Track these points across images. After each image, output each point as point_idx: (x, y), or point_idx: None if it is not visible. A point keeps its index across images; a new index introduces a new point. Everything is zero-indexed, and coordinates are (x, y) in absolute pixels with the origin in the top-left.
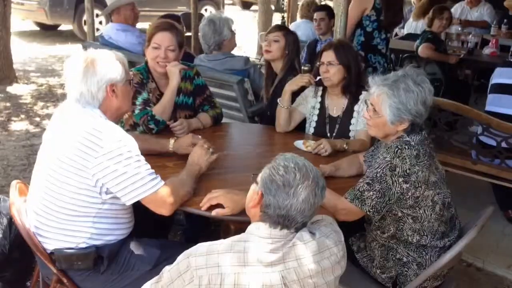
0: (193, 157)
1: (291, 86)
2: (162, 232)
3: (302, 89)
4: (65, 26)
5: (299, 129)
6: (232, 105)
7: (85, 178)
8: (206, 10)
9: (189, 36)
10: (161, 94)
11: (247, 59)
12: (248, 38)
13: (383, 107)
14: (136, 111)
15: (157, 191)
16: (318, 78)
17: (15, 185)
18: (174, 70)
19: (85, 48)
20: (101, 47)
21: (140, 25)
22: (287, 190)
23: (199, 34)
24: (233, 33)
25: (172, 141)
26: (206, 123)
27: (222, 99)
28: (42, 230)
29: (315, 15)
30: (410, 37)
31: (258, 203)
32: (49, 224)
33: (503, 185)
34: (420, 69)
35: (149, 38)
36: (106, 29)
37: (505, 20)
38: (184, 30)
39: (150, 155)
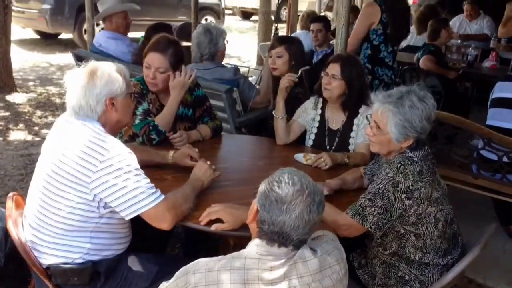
0: (197, 172)
1: (280, 94)
2: (160, 246)
3: (301, 100)
4: (65, 35)
5: (301, 142)
6: (219, 116)
7: (83, 192)
8: (206, 19)
9: (188, 46)
10: (161, 105)
11: (237, 70)
12: (248, 48)
13: (388, 124)
14: (137, 121)
15: (157, 205)
16: (300, 71)
17: (11, 197)
18: (185, 82)
19: (75, 56)
20: (92, 55)
21: (137, 34)
22: (280, 206)
23: (192, 42)
24: (225, 45)
25: (171, 152)
26: (206, 134)
27: None
28: (38, 245)
29: (312, 26)
30: (410, 49)
31: (254, 218)
32: (45, 239)
33: (505, 200)
34: (420, 82)
35: (144, 55)
36: (97, 36)
37: None
38: (176, 38)
39: (147, 168)
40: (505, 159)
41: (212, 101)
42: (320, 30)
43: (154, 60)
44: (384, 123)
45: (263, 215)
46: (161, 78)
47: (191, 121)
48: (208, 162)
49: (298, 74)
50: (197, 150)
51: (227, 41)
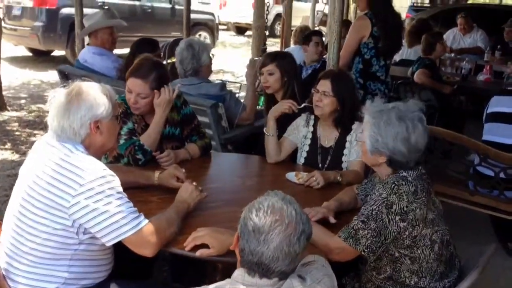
0: (182, 194)
1: (273, 113)
2: (145, 271)
3: (293, 117)
4: (58, 52)
5: (293, 160)
6: None
7: (61, 218)
8: (200, 35)
9: None
10: (146, 125)
11: (223, 85)
12: (242, 63)
13: (364, 134)
14: (121, 142)
15: (139, 231)
16: (303, 104)
17: None
18: (170, 100)
19: (60, 72)
20: (77, 71)
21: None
22: (258, 237)
23: (176, 58)
24: (210, 60)
25: (157, 173)
26: (194, 153)
27: None
28: (13, 274)
29: (315, 39)
30: (404, 63)
31: (236, 245)
32: (20, 268)
33: (502, 217)
34: (416, 102)
35: (126, 78)
36: (82, 52)
37: (498, 46)
38: (162, 56)
39: (132, 189)
40: (502, 175)
41: (197, 117)
42: (322, 44)
43: (135, 86)
44: (363, 132)
45: (242, 244)
46: (143, 103)
47: (179, 140)
48: (194, 183)
49: (301, 107)
50: (184, 170)
51: (213, 54)
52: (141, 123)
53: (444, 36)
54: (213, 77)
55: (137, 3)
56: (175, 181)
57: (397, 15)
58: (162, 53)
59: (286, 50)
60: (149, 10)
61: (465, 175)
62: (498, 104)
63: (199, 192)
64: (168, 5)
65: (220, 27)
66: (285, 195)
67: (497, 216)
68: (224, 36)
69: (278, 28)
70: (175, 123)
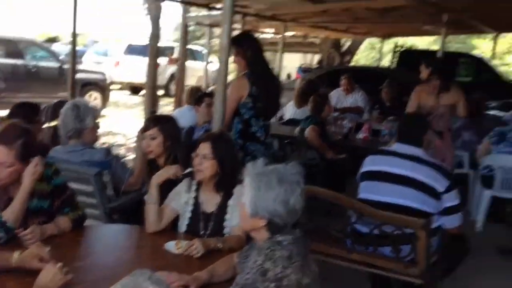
0: (43, 278)
1: (156, 179)
2: None
3: (175, 183)
4: None
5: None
6: (87, 202)
7: None
8: (90, 95)
9: None
10: (9, 199)
11: (108, 151)
12: (134, 124)
13: (244, 197)
14: None
15: None
16: (187, 170)
17: None
18: (37, 171)
19: None
20: None
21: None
22: None
23: (59, 119)
24: (96, 125)
25: (17, 254)
26: (65, 227)
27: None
28: None
29: (206, 100)
30: (292, 122)
31: None
32: None
33: (378, 273)
34: (295, 164)
35: None
36: None
37: (376, 106)
38: (44, 119)
39: None
40: (376, 231)
41: (80, 186)
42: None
43: None
44: (244, 195)
45: None
46: (6, 173)
47: (48, 214)
48: (59, 264)
49: (185, 172)
50: (48, 248)
51: (98, 121)
52: (4, 197)
53: (330, 94)
54: (102, 140)
55: (20, 62)
56: (37, 262)
57: (275, 77)
58: (44, 116)
59: (178, 110)
60: (34, 70)
61: (344, 233)
62: (372, 163)
63: (63, 274)
64: (56, 64)
65: (115, 86)
66: (152, 274)
67: (375, 273)
68: (118, 95)
69: (173, 87)
70: (45, 194)
